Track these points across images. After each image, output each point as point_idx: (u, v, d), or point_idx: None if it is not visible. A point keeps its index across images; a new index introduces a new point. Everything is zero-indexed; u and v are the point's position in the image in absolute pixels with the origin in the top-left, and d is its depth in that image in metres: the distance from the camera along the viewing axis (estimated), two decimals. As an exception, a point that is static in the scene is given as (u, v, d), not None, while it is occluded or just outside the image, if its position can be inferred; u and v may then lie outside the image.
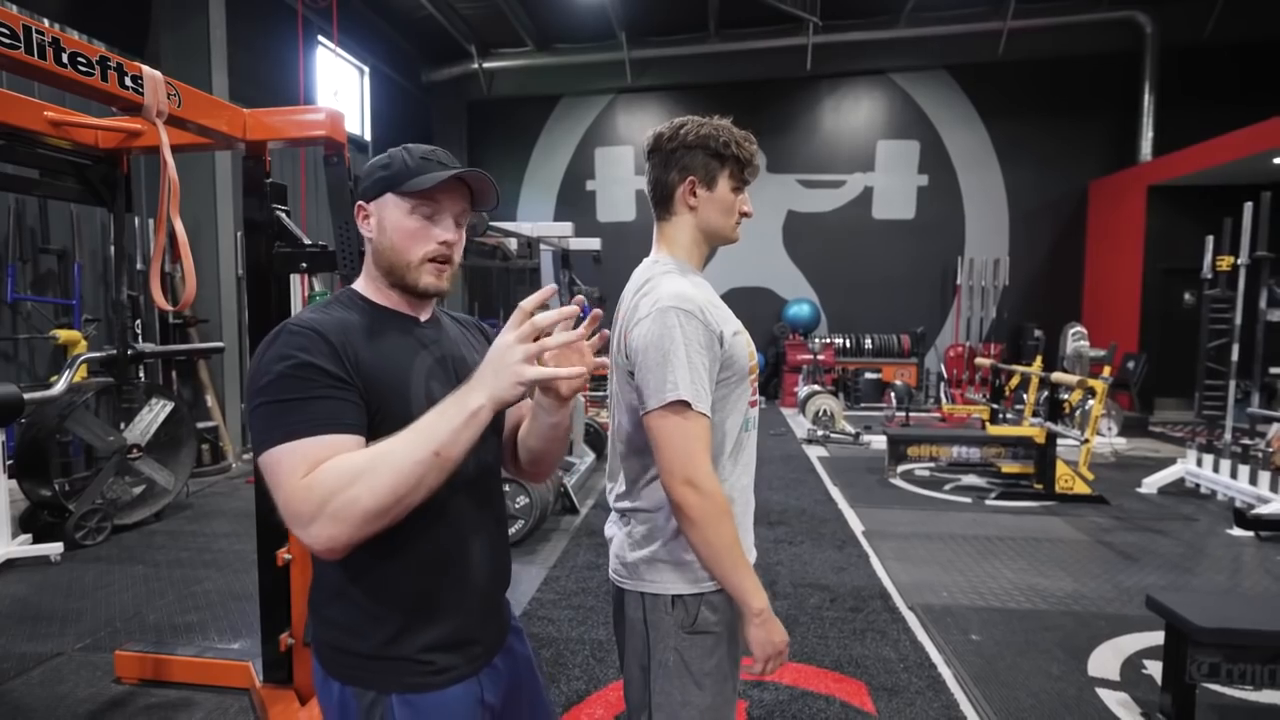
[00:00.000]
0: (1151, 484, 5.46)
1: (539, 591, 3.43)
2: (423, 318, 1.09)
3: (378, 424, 0.93)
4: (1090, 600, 3.38)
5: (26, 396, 2.15)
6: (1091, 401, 5.41)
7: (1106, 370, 5.24)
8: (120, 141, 2.18)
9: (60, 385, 3.05)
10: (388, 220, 1.01)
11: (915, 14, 9.53)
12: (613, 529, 1.33)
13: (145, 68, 1.73)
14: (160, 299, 1.90)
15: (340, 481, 0.83)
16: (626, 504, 1.28)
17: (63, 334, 4.70)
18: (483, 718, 1.05)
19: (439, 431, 0.84)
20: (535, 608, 3.24)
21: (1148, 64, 9.52)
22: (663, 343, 1.15)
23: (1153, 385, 8.83)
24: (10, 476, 3.86)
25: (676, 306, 1.16)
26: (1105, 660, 2.80)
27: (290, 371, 0.89)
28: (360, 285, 1.07)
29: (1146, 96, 9.59)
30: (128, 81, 1.69)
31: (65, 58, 1.54)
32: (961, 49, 10.01)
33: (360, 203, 1.05)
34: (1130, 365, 8.50)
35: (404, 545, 0.98)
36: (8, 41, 1.41)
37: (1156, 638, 2.61)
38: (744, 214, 1.30)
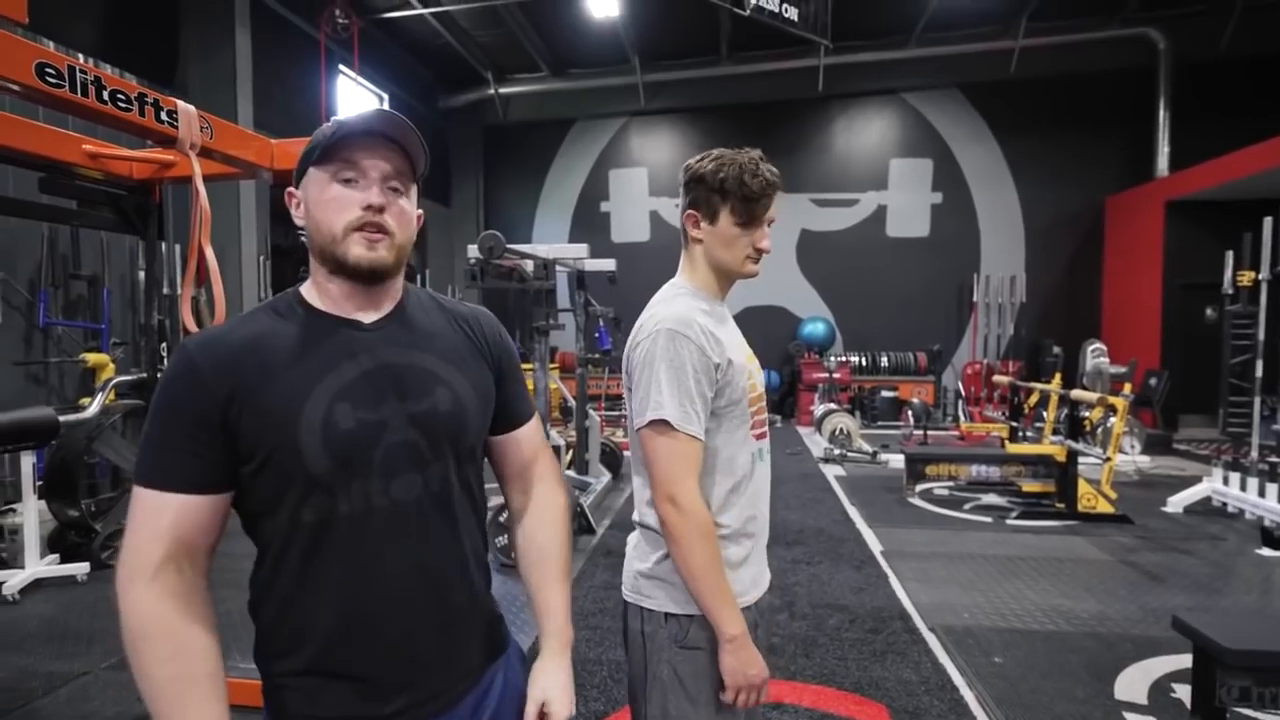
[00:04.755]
0: (1177, 503, 5.36)
1: (556, 612, 3.43)
2: (369, 319, 0.94)
3: (264, 457, 0.85)
4: (1115, 622, 3.32)
5: (61, 419, 2.21)
6: (1113, 419, 5.34)
7: (1128, 387, 5.19)
8: (153, 172, 2.27)
9: (93, 408, 3.13)
10: (309, 197, 0.91)
11: (926, 34, 9.61)
12: (629, 540, 1.36)
13: (180, 102, 1.80)
14: (192, 324, 1.96)
15: (135, 631, 0.83)
16: (636, 519, 1.32)
17: (91, 357, 4.81)
18: None
19: (162, 708, 0.82)
20: (553, 628, 3.24)
21: (1162, 79, 9.51)
22: (654, 362, 1.18)
23: (1176, 402, 8.69)
24: (40, 497, 3.94)
25: (673, 329, 1.20)
26: (1132, 683, 2.75)
27: (161, 405, 0.85)
28: (306, 285, 0.96)
29: (1161, 112, 9.57)
30: (163, 116, 1.76)
31: (106, 95, 1.62)
32: (973, 67, 10.07)
33: (290, 190, 0.95)
34: (1152, 382, 8.38)
35: (301, 609, 0.90)
36: (54, 81, 1.48)
37: (1185, 660, 2.57)
38: (760, 250, 1.28)
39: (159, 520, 0.84)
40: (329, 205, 0.89)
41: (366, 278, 0.91)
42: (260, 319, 0.92)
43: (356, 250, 0.89)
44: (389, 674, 0.92)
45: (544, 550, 1.07)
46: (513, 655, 1.07)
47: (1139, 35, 9.43)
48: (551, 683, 1.01)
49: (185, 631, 0.84)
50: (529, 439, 1.11)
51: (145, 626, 0.83)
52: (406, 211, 0.94)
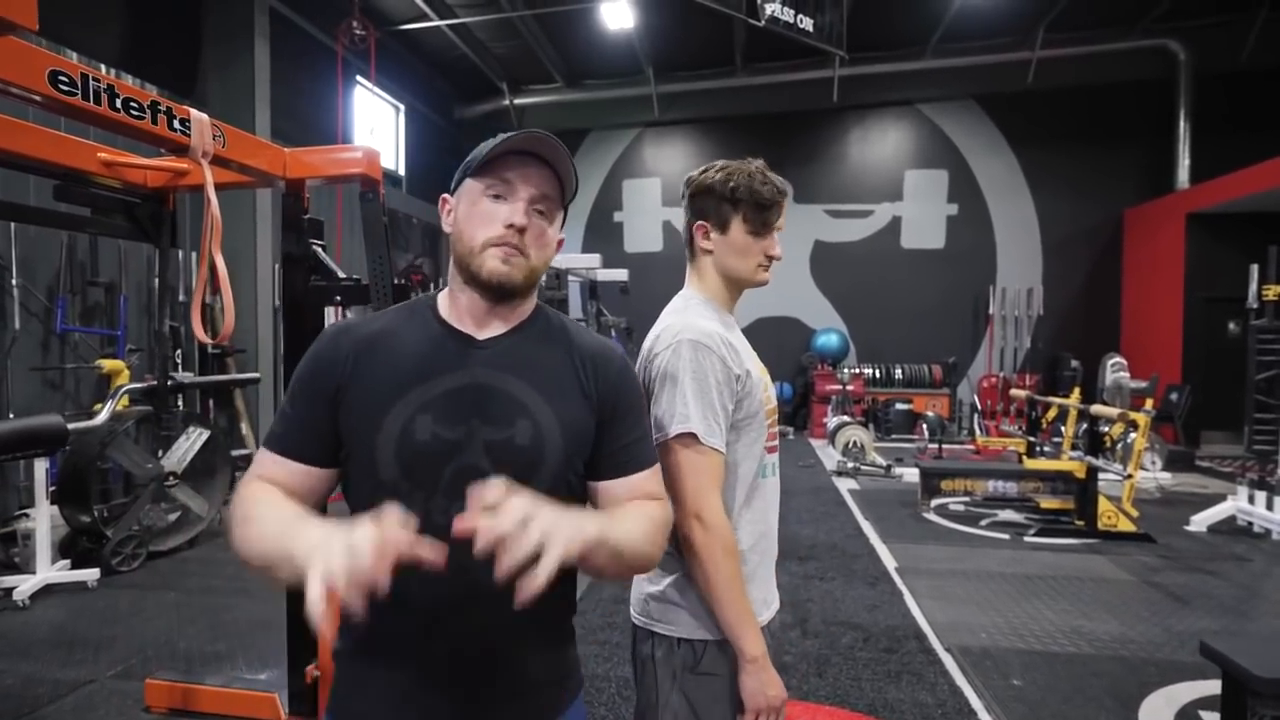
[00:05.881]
0: (1200, 521, 5.23)
1: (564, 625, 3.39)
2: (484, 335, 0.95)
3: (350, 449, 0.91)
4: (1139, 645, 3.22)
5: (70, 427, 2.22)
6: (1134, 435, 5.23)
7: (1149, 402, 5.08)
8: (167, 180, 2.27)
9: (103, 415, 3.15)
10: (461, 206, 0.95)
11: (942, 45, 9.56)
12: None
13: (193, 111, 1.80)
14: (200, 332, 1.95)
15: (239, 515, 0.87)
16: None
17: (107, 364, 4.84)
18: None
19: (282, 545, 0.78)
20: (561, 642, 3.20)
21: (1182, 91, 9.39)
22: (677, 374, 1.15)
23: (1198, 418, 8.53)
24: (53, 502, 3.96)
25: (695, 340, 1.17)
26: (1158, 709, 2.66)
27: (292, 382, 0.96)
28: (444, 292, 1.00)
29: (1182, 123, 9.44)
30: (176, 124, 1.76)
31: (119, 103, 1.62)
32: (990, 78, 9.99)
33: (444, 196, 0.99)
34: (1173, 397, 8.23)
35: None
36: (67, 89, 1.48)
37: (1212, 687, 2.48)
38: (771, 257, 1.28)
39: (263, 471, 0.93)
40: (475, 218, 0.93)
41: (495, 293, 0.93)
42: (393, 316, 0.98)
43: (491, 264, 0.91)
44: (411, 693, 0.91)
45: (624, 512, 0.93)
46: None
47: (1158, 46, 9.33)
48: (553, 511, 0.76)
49: (277, 495, 0.90)
50: (628, 491, 0.97)
51: (242, 503, 0.88)
52: (547, 234, 0.96)
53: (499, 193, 0.92)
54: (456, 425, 0.89)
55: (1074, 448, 5.96)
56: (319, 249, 2.26)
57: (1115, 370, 8.43)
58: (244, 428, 6.14)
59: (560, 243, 1.01)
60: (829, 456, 8.21)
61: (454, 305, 0.97)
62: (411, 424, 0.89)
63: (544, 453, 0.91)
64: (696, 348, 1.16)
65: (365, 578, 0.68)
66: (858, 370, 10.46)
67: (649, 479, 1.00)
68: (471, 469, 0.89)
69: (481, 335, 0.95)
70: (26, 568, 3.88)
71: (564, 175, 0.95)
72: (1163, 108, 9.63)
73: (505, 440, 0.90)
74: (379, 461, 0.88)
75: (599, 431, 0.97)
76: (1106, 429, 5.91)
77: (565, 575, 0.98)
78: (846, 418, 8.66)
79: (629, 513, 0.94)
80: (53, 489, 4.00)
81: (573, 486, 0.96)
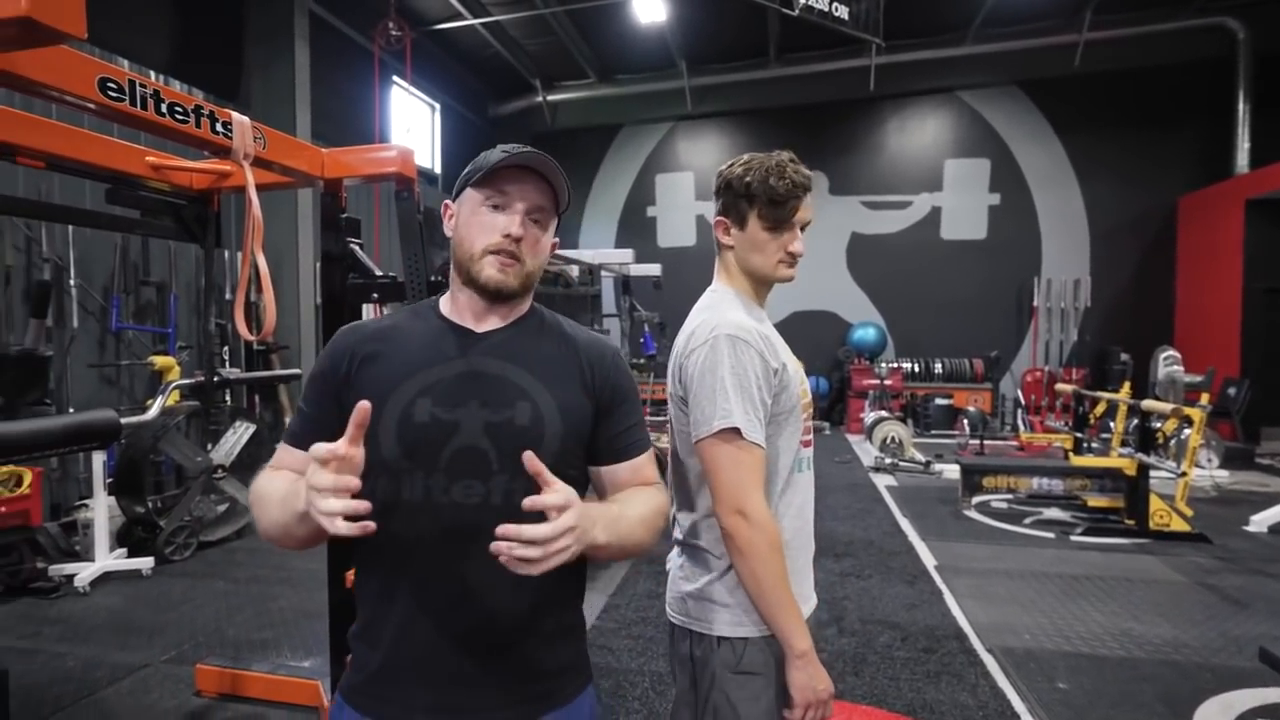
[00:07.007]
0: (1260, 521, 5.00)
1: (598, 620, 3.41)
2: (482, 328, 1.02)
3: None
4: (1193, 649, 3.10)
5: (123, 421, 2.30)
6: (1188, 431, 5.03)
7: (1205, 397, 4.87)
8: (212, 182, 2.33)
9: (153, 410, 3.26)
10: (461, 214, 1.02)
11: (984, 29, 9.29)
12: (671, 560, 1.31)
13: (234, 114, 1.85)
14: (244, 329, 2.01)
15: (254, 497, 0.96)
16: (682, 536, 1.26)
17: (159, 360, 5.03)
18: None
19: (289, 507, 0.87)
20: (594, 636, 3.22)
21: (1241, 71, 8.96)
22: (717, 370, 1.14)
23: (1258, 413, 8.15)
24: (110, 494, 4.13)
25: (733, 335, 1.16)
26: (1212, 717, 2.56)
27: (309, 375, 1.04)
28: (446, 294, 1.07)
29: (1240, 105, 9.02)
30: (218, 127, 1.81)
31: (164, 107, 1.67)
32: (1034, 63, 9.69)
33: (446, 202, 1.06)
34: (1231, 391, 7.88)
35: (364, 580, 1.02)
36: (115, 95, 1.53)
37: (1272, 694, 2.38)
38: (792, 253, 1.25)
39: (277, 462, 1.02)
40: (475, 226, 0.99)
41: (492, 296, 1.00)
42: (399, 316, 1.07)
43: (489, 271, 0.98)
44: (414, 676, 0.95)
45: (625, 497, 1.01)
46: (583, 705, 1.04)
47: (1215, 25, 8.91)
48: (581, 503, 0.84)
49: (281, 474, 0.99)
50: (631, 474, 1.05)
51: (255, 488, 0.97)
52: (541, 242, 1.03)
53: (497, 203, 0.99)
54: (455, 408, 0.95)
55: (1124, 444, 5.76)
56: (356, 247, 2.29)
57: (1168, 364, 8.10)
58: (288, 422, 6.31)
59: (554, 245, 1.09)
60: (866, 452, 8.09)
61: (454, 304, 1.04)
62: (411, 407, 0.95)
63: (544, 433, 0.96)
64: (734, 343, 1.15)
65: (341, 484, 0.78)
66: (896, 364, 10.26)
67: (647, 463, 1.06)
68: (470, 449, 0.95)
69: (480, 329, 1.02)
70: (86, 555, 4.06)
71: (558, 188, 1.02)
72: (1219, 89, 9.21)
73: (505, 421, 0.96)
74: (381, 443, 0.93)
75: (598, 419, 1.03)
76: (1159, 425, 5.70)
77: (573, 567, 1.01)
78: (884, 413, 8.52)
79: (635, 502, 1.00)
80: (110, 480, 4.17)
81: (572, 468, 1.01)
